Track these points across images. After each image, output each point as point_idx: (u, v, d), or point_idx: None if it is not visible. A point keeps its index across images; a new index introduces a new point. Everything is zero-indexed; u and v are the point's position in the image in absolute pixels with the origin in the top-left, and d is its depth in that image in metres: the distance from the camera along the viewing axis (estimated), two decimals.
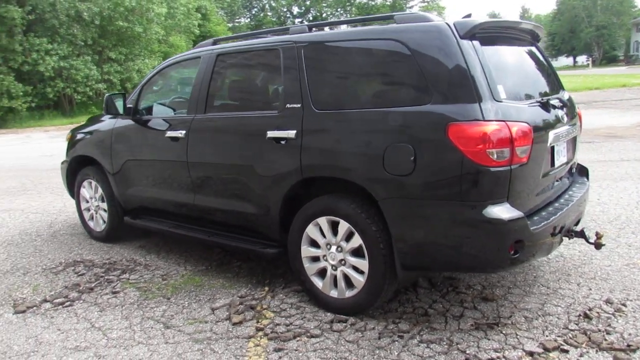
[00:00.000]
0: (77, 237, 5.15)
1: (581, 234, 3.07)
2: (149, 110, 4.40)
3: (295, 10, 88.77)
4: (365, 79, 3.02)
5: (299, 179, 3.14)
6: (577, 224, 3.31)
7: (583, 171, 3.73)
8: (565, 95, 3.42)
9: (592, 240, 3.05)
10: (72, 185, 5.18)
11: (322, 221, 3.10)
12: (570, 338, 2.71)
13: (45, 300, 3.57)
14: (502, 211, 2.52)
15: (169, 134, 3.92)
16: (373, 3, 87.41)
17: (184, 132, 3.81)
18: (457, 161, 2.52)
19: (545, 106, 2.89)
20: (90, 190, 4.93)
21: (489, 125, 2.48)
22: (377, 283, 2.91)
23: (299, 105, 3.15)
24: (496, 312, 3.08)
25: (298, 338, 2.88)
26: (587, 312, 2.98)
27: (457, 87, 2.58)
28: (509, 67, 2.98)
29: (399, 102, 2.78)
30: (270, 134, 3.24)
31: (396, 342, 2.78)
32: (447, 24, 2.69)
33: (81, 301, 3.55)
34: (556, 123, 2.96)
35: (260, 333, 2.96)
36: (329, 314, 3.15)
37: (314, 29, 3.40)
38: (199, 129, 3.74)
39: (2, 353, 2.87)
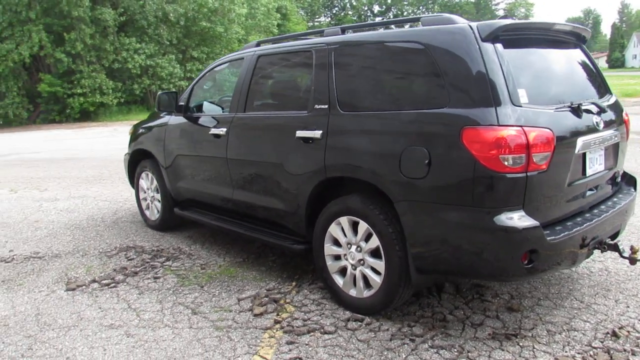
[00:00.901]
0: (135, 225, 5.55)
1: (614, 247, 2.89)
2: (200, 108, 4.66)
3: (376, 8, 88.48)
4: (389, 81, 3.03)
5: (322, 178, 3.21)
6: (615, 236, 3.11)
7: (631, 181, 3.48)
8: (608, 101, 3.22)
9: (626, 255, 2.87)
10: (133, 176, 5.59)
11: (344, 220, 3.15)
12: (589, 356, 2.58)
13: (94, 281, 3.91)
14: (515, 219, 2.45)
15: (213, 131, 4.13)
16: (456, 0, 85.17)
17: (225, 129, 4.00)
18: (470, 166, 2.47)
19: (576, 111, 2.75)
20: (147, 181, 5.30)
21: (503, 130, 2.41)
22: (393, 285, 2.92)
23: (326, 106, 3.22)
24: (518, 323, 2.98)
25: (312, 333, 2.96)
26: (617, 330, 2.81)
27: (474, 91, 2.53)
28: (537, 70, 2.86)
29: (418, 105, 2.77)
30: (299, 133, 3.33)
31: (406, 345, 2.78)
32: (469, 26, 2.64)
33: (125, 283, 3.85)
34: (588, 129, 2.80)
35: (278, 326, 3.07)
36: (347, 312, 3.20)
37: (347, 31, 3.45)
38: (238, 127, 3.92)
39: (47, 325, 3.20)
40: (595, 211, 2.96)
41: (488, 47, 2.56)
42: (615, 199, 3.19)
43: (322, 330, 2.98)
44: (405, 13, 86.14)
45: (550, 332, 2.86)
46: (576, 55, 3.28)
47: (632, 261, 2.87)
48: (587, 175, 2.85)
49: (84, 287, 3.81)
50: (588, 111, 2.87)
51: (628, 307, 3.12)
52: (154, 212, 5.26)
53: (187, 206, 4.83)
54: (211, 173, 4.29)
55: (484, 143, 2.43)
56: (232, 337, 2.96)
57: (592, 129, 2.84)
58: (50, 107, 27.11)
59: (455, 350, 2.71)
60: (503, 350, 2.69)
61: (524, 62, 2.78)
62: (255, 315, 3.23)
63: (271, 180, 3.66)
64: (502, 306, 3.20)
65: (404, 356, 2.68)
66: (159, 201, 5.13)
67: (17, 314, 3.37)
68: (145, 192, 5.37)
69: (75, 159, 12.10)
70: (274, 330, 3.02)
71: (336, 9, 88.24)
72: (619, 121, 3.20)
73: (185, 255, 4.46)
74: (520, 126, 2.43)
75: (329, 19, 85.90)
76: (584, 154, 2.80)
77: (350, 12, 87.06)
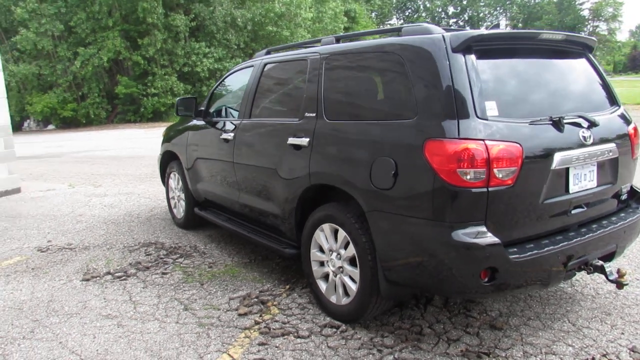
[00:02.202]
0: (165, 222, 5.86)
1: (601, 270, 2.72)
2: (219, 113, 4.86)
3: (451, 10, 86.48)
4: (367, 91, 3.03)
5: (308, 185, 3.27)
6: (609, 257, 2.93)
7: (637, 197, 3.25)
8: (609, 114, 3.03)
9: (612, 278, 2.70)
10: (164, 176, 5.91)
11: (326, 228, 3.19)
12: None
13: (109, 273, 4.20)
14: (473, 235, 2.38)
15: (223, 135, 4.31)
16: (537, 1, 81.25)
17: (233, 134, 4.17)
18: (430, 179, 2.44)
19: (557, 125, 2.62)
20: (174, 181, 5.59)
21: (463, 144, 2.36)
22: (366, 294, 2.92)
23: (314, 115, 3.28)
24: (496, 341, 2.88)
25: (286, 336, 3.03)
26: (598, 357, 2.65)
27: (440, 102, 2.49)
28: (517, 82, 2.74)
29: (391, 115, 2.77)
30: (290, 140, 3.41)
31: (371, 356, 2.77)
32: (442, 36, 2.60)
33: (135, 277, 4.10)
34: (572, 144, 2.66)
35: (257, 326, 3.17)
36: (328, 318, 3.24)
37: (342, 40, 3.49)
38: (243, 132, 4.06)
39: (54, 311, 3.49)
40: (583, 230, 2.80)
41: (457, 58, 2.51)
42: (614, 218, 3.00)
43: (296, 334, 3.04)
44: (481, 14, 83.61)
45: (527, 353, 2.75)
46: (577, 65, 3.11)
47: (619, 285, 2.69)
48: (571, 192, 2.70)
49: (97, 278, 4.10)
50: (575, 124, 2.72)
51: (622, 333, 2.92)
52: (180, 210, 5.54)
53: (206, 207, 5.05)
54: (222, 176, 4.47)
55: (444, 156, 2.39)
56: (211, 334, 3.09)
57: (578, 144, 2.69)
58: (127, 107, 28.97)
59: None
60: None
61: (501, 74, 2.69)
62: (240, 315, 3.34)
63: (268, 185, 3.77)
64: (486, 323, 3.10)
65: None
66: (184, 200, 5.40)
67: (33, 300, 3.70)
68: (173, 192, 5.67)
69: (136, 157, 12.90)
70: (252, 331, 3.12)
71: (409, 11, 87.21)
72: (621, 135, 3.00)
73: (199, 254, 4.67)
74: (482, 140, 2.37)
75: (402, 21, 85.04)
76: (567, 170, 2.67)
77: (423, 14, 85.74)
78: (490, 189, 2.38)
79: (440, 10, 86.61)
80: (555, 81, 2.92)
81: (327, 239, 3.21)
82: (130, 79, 27.91)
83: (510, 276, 2.45)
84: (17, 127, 31.09)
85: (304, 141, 3.29)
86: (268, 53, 4.26)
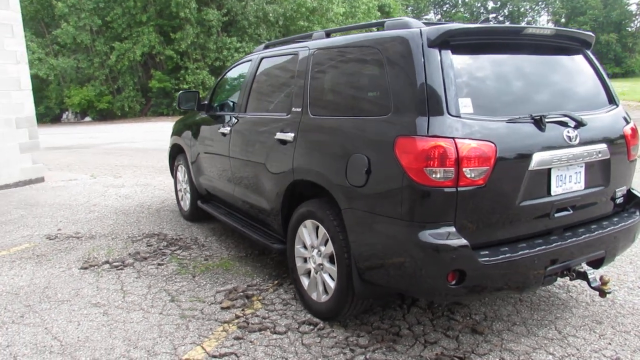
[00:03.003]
0: (173, 214, 5.95)
1: (583, 276, 2.60)
2: (222, 107, 4.88)
3: (490, 4, 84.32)
4: (348, 87, 2.98)
5: (291, 180, 3.25)
6: (598, 263, 2.80)
7: (636, 202, 3.08)
8: (602, 113, 2.88)
9: (594, 285, 2.57)
10: (172, 169, 6.00)
11: (308, 224, 3.17)
12: None
13: (107, 262, 4.29)
14: (439, 236, 2.31)
15: (221, 129, 4.33)
16: None
17: (229, 128, 4.18)
18: (400, 177, 2.38)
19: (538, 124, 2.51)
20: (181, 174, 5.66)
21: (431, 142, 2.29)
22: (342, 292, 2.88)
23: (300, 110, 3.26)
24: (474, 346, 2.80)
25: (262, 332, 3.02)
26: None
27: (413, 99, 2.42)
28: (497, 78, 2.62)
29: (368, 111, 2.72)
30: (277, 135, 3.40)
31: (342, 355, 2.74)
32: (419, 31, 2.52)
33: (131, 267, 4.18)
34: (554, 144, 2.54)
35: (236, 320, 3.17)
36: (309, 315, 3.22)
37: (332, 35, 3.44)
38: (238, 127, 4.07)
39: (48, 297, 3.59)
40: (567, 234, 2.68)
41: (432, 53, 2.43)
42: (604, 223, 2.86)
43: (272, 330, 3.03)
44: (522, 9, 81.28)
45: None
46: (571, 62, 2.97)
47: (602, 293, 2.57)
48: (553, 194, 2.58)
49: (95, 267, 4.20)
50: (560, 124, 2.60)
51: (610, 344, 2.79)
52: (186, 203, 5.61)
53: (209, 200, 5.10)
54: (220, 169, 4.50)
55: (412, 154, 2.33)
56: (190, 326, 3.12)
57: (561, 144, 2.57)
58: (160, 100, 29.59)
59: None
60: None
61: (481, 70, 2.59)
62: (222, 308, 3.36)
63: (258, 180, 3.77)
64: (468, 327, 3.02)
65: None
66: (189, 193, 5.47)
67: (31, 285, 3.82)
68: (180, 184, 5.75)
69: (161, 149, 13.14)
70: (230, 325, 3.13)
71: (447, 5, 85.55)
72: (614, 136, 2.85)
73: (198, 246, 4.72)
74: (452, 138, 2.29)
75: (439, 16, 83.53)
76: (549, 171, 2.55)
77: (462, 9, 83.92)
78: (459, 188, 2.30)
79: (479, 5, 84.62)
80: (542, 79, 2.79)
81: (309, 235, 3.18)
82: (163, 73, 28.49)
83: (479, 279, 2.37)
84: (56, 118, 32.24)
85: (289, 136, 3.27)
86: (266, 47, 4.25)
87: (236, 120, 4.13)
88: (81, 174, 9.32)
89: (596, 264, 2.82)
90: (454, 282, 2.34)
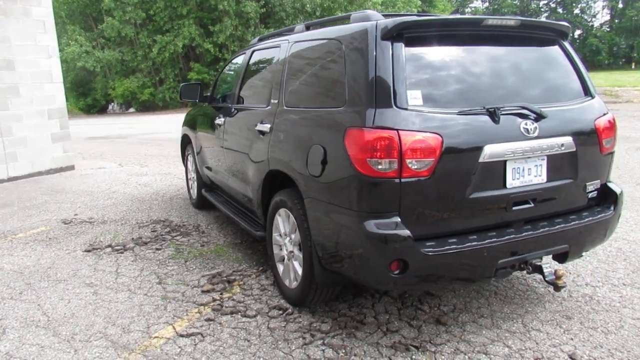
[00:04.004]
0: (184, 202, 6.19)
1: (538, 270, 2.58)
2: (223, 98, 5.03)
3: None
4: (315, 79, 3.04)
5: (267, 170, 3.35)
6: (563, 258, 2.77)
7: (610, 198, 3.00)
8: (573, 105, 2.82)
9: (549, 279, 2.55)
10: (184, 158, 6.23)
11: (282, 212, 3.27)
12: None
13: (109, 246, 4.54)
14: (382, 226, 2.35)
15: (217, 121, 4.48)
16: None
17: (223, 119, 4.33)
18: (347, 168, 2.44)
19: (492, 116, 2.49)
20: (190, 164, 5.88)
21: (375, 133, 2.33)
22: (307, 279, 2.97)
23: (277, 101, 3.35)
24: (433, 336, 2.83)
25: (233, 315, 3.16)
26: None
27: (363, 91, 2.46)
28: (453, 70, 2.60)
29: (328, 103, 2.77)
30: (257, 126, 3.51)
31: (301, 339, 2.83)
32: (376, 24, 2.55)
33: (130, 251, 4.41)
34: (508, 136, 2.51)
35: (212, 303, 3.32)
36: (282, 300, 3.33)
37: (311, 28, 3.50)
38: (230, 118, 4.20)
39: (48, 277, 3.85)
40: (526, 227, 2.65)
41: (384, 45, 2.46)
42: (573, 216, 2.81)
43: (243, 313, 3.16)
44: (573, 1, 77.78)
45: (457, 350, 2.68)
46: (542, 53, 2.91)
47: (556, 287, 2.54)
48: (509, 187, 2.57)
49: (98, 250, 4.45)
50: (518, 115, 2.57)
51: (572, 339, 2.75)
52: (194, 191, 5.82)
53: (212, 189, 5.28)
54: (217, 159, 4.66)
55: (357, 145, 2.38)
56: (168, 307, 3.29)
57: (518, 136, 2.54)
58: None
59: (342, 351, 2.69)
60: (389, 359, 2.61)
61: (436, 62, 2.58)
62: (203, 291, 3.51)
63: (243, 170, 3.89)
64: (433, 317, 3.04)
65: (292, 348, 2.75)
66: (196, 182, 5.67)
67: (36, 265, 4.11)
68: (189, 173, 5.96)
69: None
70: (206, 307, 3.27)
71: None
72: (583, 128, 2.79)
73: (198, 233, 4.90)
74: (396, 130, 2.32)
75: (487, 4, 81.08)
76: (505, 163, 2.54)
77: None
78: (403, 180, 2.33)
79: None
80: (506, 71, 2.75)
81: (283, 223, 3.28)
82: (202, 65, 29.14)
83: (423, 270, 2.40)
84: (103, 109, 33.61)
85: (266, 127, 3.37)
86: (260, 40, 4.36)
87: (228, 112, 4.26)
88: (110, 162, 9.76)
89: (560, 258, 2.78)
90: (397, 272, 2.38)
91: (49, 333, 2.98)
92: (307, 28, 3.50)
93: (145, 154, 11.01)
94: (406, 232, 2.34)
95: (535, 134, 2.58)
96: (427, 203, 2.41)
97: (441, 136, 2.36)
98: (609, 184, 3.02)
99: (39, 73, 8.10)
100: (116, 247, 4.48)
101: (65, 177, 8.22)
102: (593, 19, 66.26)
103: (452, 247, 2.41)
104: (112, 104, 35.38)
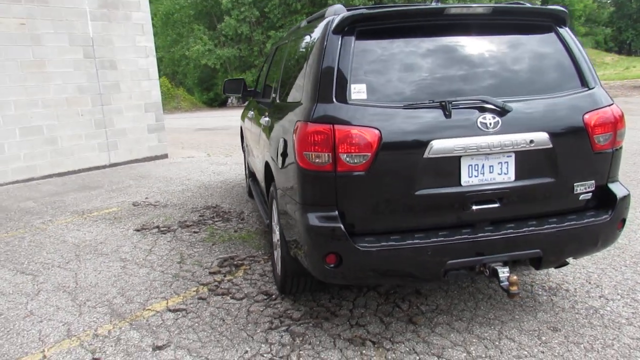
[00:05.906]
0: (242, 190, 6.58)
1: (494, 274, 2.42)
2: (263, 92, 5.27)
3: None
4: (295, 73, 3.11)
5: (264, 161, 3.51)
6: (536, 263, 2.56)
7: (607, 201, 2.66)
8: (556, 97, 2.55)
9: (503, 285, 2.38)
10: (243, 149, 6.61)
11: (274, 202, 3.41)
12: None
13: (157, 227, 5.03)
14: (317, 219, 2.38)
15: (249, 114, 4.74)
16: None
17: (252, 112, 4.57)
18: (294, 161, 2.51)
19: (444, 110, 2.37)
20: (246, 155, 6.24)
21: (311, 127, 2.37)
22: (284, 267, 3.09)
23: (275, 95, 3.50)
24: (397, 334, 2.78)
25: (223, 296, 3.38)
26: None
27: (311, 86, 2.50)
28: (406, 63, 2.47)
29: (297, 97, 2.84)
30: (261, 119, 3.69)
31: (268, 324, 2.95)
32: (331, 19, 2.58)
33: (172, 233, 4.85)
34: (462, 131, 2.37)
35: (212, 284, 3.58)
36: (274, 287, 3.48)
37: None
38: (252, 111, 4.43)
39: (95, 250, 4.41)
40: (489, 228, 2.49)
41: (332, 40, 2.47)
42: (553, 220, 2.57)
43: (232, 295, 3.37)
44: None
45: (412, 350, 2.61)
46: (530, 42, 2.67)
47: (509, 294, 2.36)
48: (464, 184, 2.43)
49: (146, 230, 4.97)
50: (477, 109, 2.41)
51: (542, 352, 2.53)
52: (247, 181, 6.17)
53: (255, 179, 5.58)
54: (250, 149, 4.92)
55: (300, 139, 2.43)
56: (173, 285, 3.61)
57: (474, 131, 2.39)
58: None
59: (300, 339, 2.77)
60: (340, 351, 2.64)
61: (388, 55, 2.49)
62: (210, 273, 3.79)
63: (258, 161, 4.09)
64: (407, 315, 2.98)
65: (257, 331, 2.89)
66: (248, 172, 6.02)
67: (92, 240, 4.72)
68: (245, 164, 6.33)
69: None
70: (204, 287, 3.54)
71: None
72: (566, 123, 2.52)
73: (238, 219, 5.22)
74: (331, 124, 2.33)
75: None
76: (459, 159, 2.41)
77: None
78: (338, 174, 2.34)
79: None
80: (473, 63, 2.55)
81: (275, 212, 3.42)
82: None
83: (358, 265, 2.38)
84: (222, 103, 36.10)
85: (266, 121, 3.53)
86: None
87: (258, 105, 4.48)
88: (201, 152, 10.60)
89: (535, 263, 2.57)
90: (332, 265, 2.40)
91: (69, 297, 3.46)
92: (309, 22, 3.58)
93: (235, 144, 11.74)
94: (339, 226, 2.35)
95: (496, 129, 2.41)
96: (367, 198, 2.39)
97: (379, 130, 2.33)
98: (610, 186, 2.69)
99: (137, 71, 9.07)
100: (162, 229, 4.96)
101: (156, 164, 9.13)
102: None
103: (389, 243, 2.36)
104: (231, 97, 37.79)
